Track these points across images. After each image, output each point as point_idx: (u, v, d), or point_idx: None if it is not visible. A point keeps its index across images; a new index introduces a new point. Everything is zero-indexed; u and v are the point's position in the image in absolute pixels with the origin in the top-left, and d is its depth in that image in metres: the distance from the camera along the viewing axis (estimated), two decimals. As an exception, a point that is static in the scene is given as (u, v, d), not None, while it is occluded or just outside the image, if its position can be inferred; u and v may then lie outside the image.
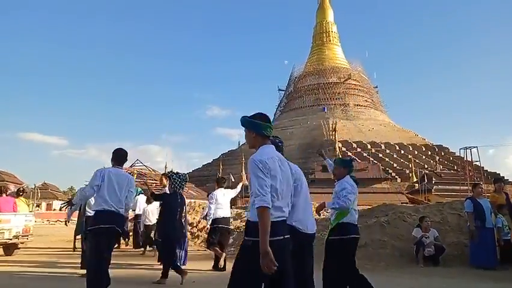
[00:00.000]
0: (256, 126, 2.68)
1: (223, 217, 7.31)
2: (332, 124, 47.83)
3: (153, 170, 21.05)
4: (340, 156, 41.53)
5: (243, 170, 37.85)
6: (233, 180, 33.91)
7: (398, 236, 8.97)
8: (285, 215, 2.65)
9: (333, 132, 44.98)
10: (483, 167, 38.07)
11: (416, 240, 7.96)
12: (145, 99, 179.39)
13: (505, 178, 38.08)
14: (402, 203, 22.34)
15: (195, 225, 12.44)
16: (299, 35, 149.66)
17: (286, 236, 2.59)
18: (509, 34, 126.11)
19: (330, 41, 67.72)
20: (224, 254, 7.21)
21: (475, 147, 30.69)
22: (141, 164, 20.80)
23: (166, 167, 43.06)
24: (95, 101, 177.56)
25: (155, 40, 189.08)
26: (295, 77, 68.76)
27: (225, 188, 7.68)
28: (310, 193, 3.72)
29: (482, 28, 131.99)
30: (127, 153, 4.90)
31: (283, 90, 70.84)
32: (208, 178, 42.54)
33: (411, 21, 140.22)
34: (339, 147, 43.29)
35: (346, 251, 4.27)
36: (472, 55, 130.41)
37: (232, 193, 7.96)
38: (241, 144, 59.42)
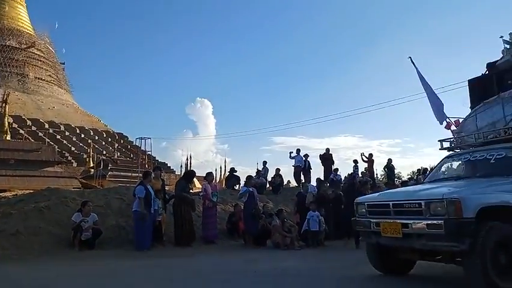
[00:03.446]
0: None
1: None
2: (4, 95, 40.45)
3: None
4: (9, 134, 35.79)
5: None
6: None
7: (58, 222, 8.54)
8: None
9: (4, 105, 38.06)
10: (155, 157, 42.60)
11: (75, 225, 7.76)
12: None
13: (171, 168, 44.08)
14: (74, 188, 21.59)
15: None
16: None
17: None
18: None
19: (13, -3, 57.30)
20: None
21: (149, 138, 33.68)
22: None
23: None
24: None
25: None
26: (-42, 27, 53.86)
27: None
28: None
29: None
30: None
31: None
32: None
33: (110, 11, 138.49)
34: (9, 122, 37.01)
35: None
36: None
37: None
38: None
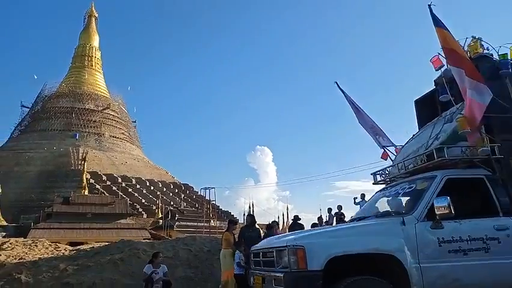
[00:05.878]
0: None
1: None
2: (83, 153, 44.40)
3: None
4: (87, 189, 38.73)
5: None
6: None
7: (131, 274, 8.83)
8: None
9: (83, 162, 41.68)
10: (218, 206, 43.41)
11: (146, 277, 7.97)
12: None
13: (234, 216, 44.38)
14: (145, 238, 22.54)
15: None
16: (55, 51, 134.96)
17: None
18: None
19: (92, 65, 64.34)
20: None
21: (213, 187, 34.75)
22: None
23: None
24: None
25: None
26: (46, 96, 61.21)
27: None
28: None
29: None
30: None
31: (28, 107, 61.54)
32: None
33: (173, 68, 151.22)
34: (87, 178, 40.32)
35: None
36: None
37: None
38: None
